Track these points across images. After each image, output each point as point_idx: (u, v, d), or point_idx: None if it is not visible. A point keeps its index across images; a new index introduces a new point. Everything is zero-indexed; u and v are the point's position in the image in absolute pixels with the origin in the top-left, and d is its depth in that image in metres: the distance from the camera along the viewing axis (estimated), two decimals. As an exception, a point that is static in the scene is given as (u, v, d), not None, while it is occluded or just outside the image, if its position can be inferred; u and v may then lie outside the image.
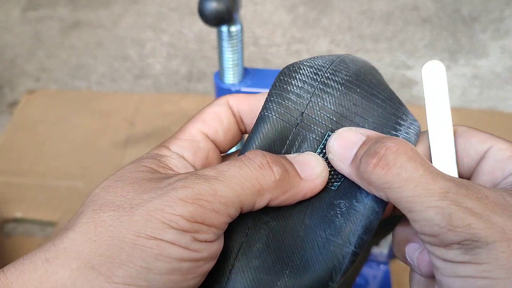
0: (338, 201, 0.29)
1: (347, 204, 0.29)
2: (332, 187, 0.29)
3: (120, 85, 1.13)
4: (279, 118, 0.30)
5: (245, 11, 1.31)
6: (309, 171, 0.29)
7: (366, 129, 0.29)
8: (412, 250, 0.28)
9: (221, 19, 0.48)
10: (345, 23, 1.29)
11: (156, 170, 0.29)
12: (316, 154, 0.30)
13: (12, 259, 0.83)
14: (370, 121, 0.30)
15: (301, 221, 0.29)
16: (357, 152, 0.28)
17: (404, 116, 0.31)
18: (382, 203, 0.28)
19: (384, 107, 0.31)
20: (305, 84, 0.30)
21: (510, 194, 0.25)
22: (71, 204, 0.86)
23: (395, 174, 0.25)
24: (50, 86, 1.13)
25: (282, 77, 0.31)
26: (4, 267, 0.24)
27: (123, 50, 1.22)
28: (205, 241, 0.25)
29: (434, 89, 0.31)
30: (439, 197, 0.24)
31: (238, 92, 0.56)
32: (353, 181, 0.28)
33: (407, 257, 0.29)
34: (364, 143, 0.28)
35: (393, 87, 1.12)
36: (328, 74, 0.31)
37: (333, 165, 0.29)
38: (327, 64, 0.31)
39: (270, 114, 0.30)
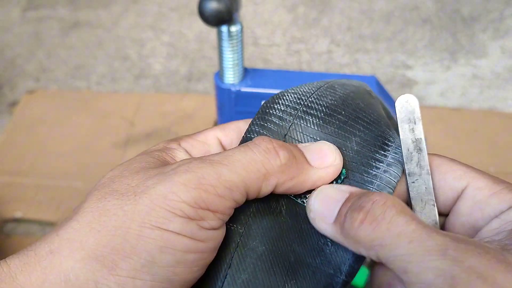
0: None
1: None
2: None
3: (120, 85, 1.13)
4: None
5: (245, 11, 1.31)
6: (320, 159, 0.28)
7: (348, 186, 0.27)
8: None
9: (221, 19, 0.48)
10: (345, 23, 1.29)
11: (163, 162, 0.28)
12: (329, 144, 0.28)
13: (12, 259, 0.83)
14: (355, 140, 0.29)
15: (290, 247, 0.27)
16: (340, 209, 0.25)
17: (391, 138, 0.30)
18: None
19: (370, 129, 0.30)
20: (288, 108, 0.30)
21: (506, 249, 0.22)
22: (71, 204, 0.86)
23: (384, 230, 0.23)
24: (50, 86, 1.13)
25: (266, 104, 0.31)
26: (7, 258, 0.25)
27: (123, 50, 1.22)
28: (211, 229, 0.25)
29: (408, 124, 0.29)
30: (438, 256, 0.21)
31: (238, 92, 0.56)
32: (338, 242, 0.26)
33: None
34: (347, 200, 0.26)
35: (393, 87, 1.12)
36: (312, 99, 0.30)
37: (314, 226, 0.27)
38: (313, 90, 0.31)
39: (252, 136, 0.30)
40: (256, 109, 0.57)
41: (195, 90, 1.11)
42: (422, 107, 1.05)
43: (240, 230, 0.27)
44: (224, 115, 0.59)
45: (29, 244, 0.79)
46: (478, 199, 0.26)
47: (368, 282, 0.57)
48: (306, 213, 0.28)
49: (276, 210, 0.28)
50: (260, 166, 0.26)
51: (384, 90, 0.58)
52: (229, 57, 0.54)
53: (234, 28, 0.52)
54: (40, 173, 0.91)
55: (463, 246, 0.21)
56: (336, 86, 0.32)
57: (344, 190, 0.26)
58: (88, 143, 0.97)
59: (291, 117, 0.30)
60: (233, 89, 0.56)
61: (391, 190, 0.28)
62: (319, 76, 0.58)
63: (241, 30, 0.53)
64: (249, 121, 0.32)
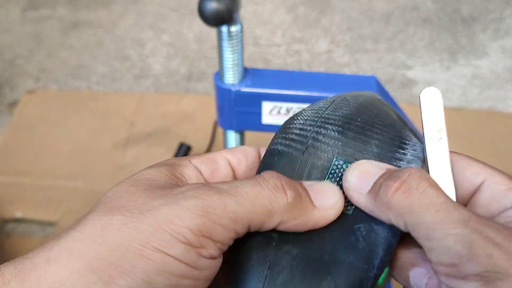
0: (357, 225, 0.29)
1: (367, 228, 0.29)
2: (348, 212, 0.29)
3: (120, 85, 1.13)
4: (284, 149, 0.31)
5: (245, 11, 1.31)
6: (324, 200, 0.28)
7: (385, 164, 0.29)
8: (419, 276, 0.27)
9: (221, 19, 0.48)
10: (345, 23, 1.29)
11: (171, 178, 0.28)
12: (333, 184, 0.29)
13: (12, 259, 0.83)
14: (374, 143, 0.31)
15: (322, 247, 0.29)
16: (376, 181, 0.27)
17: (408, 137, 0.32)
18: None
19: (387, 131, 0.31)
20: (307, 121, 0.32)
21: None
22: (71, 204, 0.86)
23: (416, 199, 0.25)
24: (50, 86, 1.13)
25: (286, 121, 0.32)
26: (3, 264, 0.24)
27: (123, 50, 1.22)
28: (209, 257, 0.25)
29: (432, 115, 0.31)
30: (461, 225, 0.23)
31: (238, 92, 0.56)
32: (367, 210, 0.28)
33: (412, 283, 0.28)
34: (383, 174, 0.28)
35: (393, 87, 1.12)
36: (329, 111, 0.32)
37: (348, 195, 0.28)
38: (327, 104, 0.33)
39: (276, 147, 0.31)
40: (256, 109, 0.57)
41: (195, 90, 1.11)
42: (422, 107, 1.06)
43: (274, 235, 0.28)
44: (224, 115, 0.59)
45: (28, 244, 0.79)
46: (495, 192, 0.28)
47: (386, 279, 0.58)
48: None
49: None
50: (267, 202, 0.26)
51: (384, 90, 0.58)
52: (229, 57, 0.54)
53: (234, 28, 0.52)
54: (40, 173, 0.91)
55: (484, 221, 0.24)
56: (348, 98, 0.33)
57: (381, 167, 0.28)
58: (88, 143, 0.97)
59: (311, 127, 0.31)
60: (233, 89, 0.56)
61: None
62: (319, 76, 0.58)
63: (241, 30, 0.53)
64: (255, 146, 0.33)
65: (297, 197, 0.27)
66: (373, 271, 0.28)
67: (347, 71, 1.16)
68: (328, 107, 0.32)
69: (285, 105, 0.56)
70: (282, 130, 0.32)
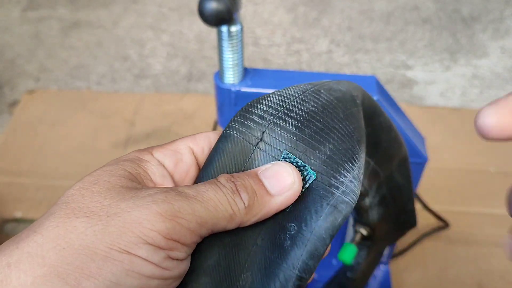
0: (289, 224, 0.29)
1: (296, 228, 0.28)
2: (286, 209, 0.29)
3: (120, 85, 1.13)
4: (239, 136, 0.30)
5: (245, 11, 1.31)
6: (279, 185, 0.28)
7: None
8: None
9: (221, 19, 0.48)
10: (345, 23, 1.29)
11: (135, 176, 0.28)
12: (288, 165, 0.29)
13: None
14: (328, 146, 0.30)
15: (253, 240, 0.29)
16: None
17: (358, 156, 0.31)
18: (329, 230, 0.28)
19: (343, 141, 0.31)
20: (270, 108, 0.31)
21: None
22: (71, 204, 0.86)
23: None
24: (50, 86, 1.13)
25: (250, 103, 0.32)
26: None
27: (123, 50, 1.22)
28: (177, 259, 0.25)
29: None
30: None
31: (238, 92, 0.56)
32: None
33: None
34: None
35: (393, 87, 1.12)
36: (295, 103, 0.31)
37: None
38: (297, 94, 0.32)
39: (231, 132, 0.31)
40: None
41: (195, 90, 1.11)
42: (422, 107, 1.06)
43: None
44: (224, 115, 0.59)
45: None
46: None
47: (359, 262, 0.59)
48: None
49: None
50: (228, 207, 0.27)
51: (384, 90, 0.58)
52: (229, 57, 0.54)
53: (234, 28, 0.52)
54: (40, 173, 0.91)
55: None
56: (321, 91, 0.33)
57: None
58: (88, 143, 0.97)
59: (271, 117, 0.31)
60: (233, 89, 0.56)
61: (355, 198, 0.30)
62: (319, 76, 0.58)
63: (241, 30, 0.53)
64: (217, 132, 0.33)
65: (253, 197, 0.28)
66: (294, 271, 0.28)
67: (347, 71, 1.16)
68: (296, 97, 0.32)
69: (285, 105, 0.56)
70: (242, 114, 0.31)
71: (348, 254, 0.56)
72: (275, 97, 0.32)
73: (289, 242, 0.28)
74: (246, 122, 0.31)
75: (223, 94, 0.57)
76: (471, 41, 1.23)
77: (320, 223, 0.28)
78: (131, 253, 0.23)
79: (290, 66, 1.17)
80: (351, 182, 0.30)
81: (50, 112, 1.03)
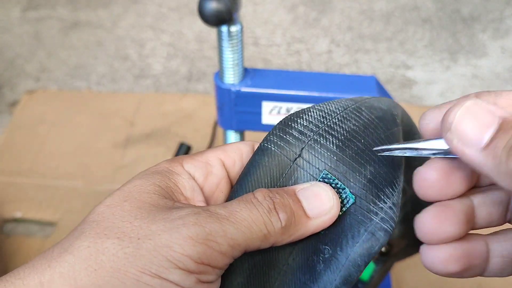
0: (323, 247, 0.28)
1: (330, 251, 0.28)
2: (321, 231, 0.29)
3: (120, 85, 1.13)
4: (277, 150, 0.29)
5: (245, 11, 1.31)
6: (318, 208, 0.28)
7: (498, 108, 0.24)
8: None
9: (221, 19, 0.48)
10: (345, 23, 1.29)
11: (165, 190, 0.28)
12: (327, 187, 0.28)
13: (12, 259, 0.83)
14: (369, 169, 0.29)
15: (285, 260, 0.28)
16: (493, 136, 0.23)
17: (398, 180, 0.30)
18: (364, 257, 0.27)
19: (384, 164, 0.30)
20: (311, 124, 0.30)
21: None
22: (71, 204, 0.86)
23: None
24: (50, 86, 1.13)
25: (290, 116, 0.31)
26: None
27: (123, 50, 1.22)
28: (207, 282, 0.25)
29: None
30: None
31: (238, 92, 0.56)
32: (485, 173, 0.23)
33: None
34: (501, 128, 0.23)
35: (393, 87, 1.12)
36: (336, 120, 0.30)
37: (453, 149, 0.24)
38: (339, 110, 0.31)
39: (269, 146, 0.30)
40: (256, 109, 0.57)
41: (195, 90, 1.11)
42: (422, 107, 1.06)
43: None
44: (224, 115, 0.59)
45: (28, 244, 0.79)
46: None
47: (373, 276, 0.58)
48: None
49: None
50: (263, 227, 0.26)
51: (384, 90, 0.58)
52: (229, 57, 0.54)
53: (234, 28, 0.52)
54: (40, 173, 0.91)
55: None
56: (363, 109, 0.31)
57: (495, 114, 0.23)
58: (88, 143, 0.97)
59: (312, 133, 0.30)
60: (233, 89, 0.56)
61: (393, 225, 0.29)
62: (319, 76, 0.58)
63: (241, 30, 0.53)
64: (248, 143, 0.32)
65: (291, 216, 0.27)
66: None
67: (347, 71, 1.16)
68: (338, 114, 0.30)
69: (285, 105, 0.56)
70: (282, 128, 0.30)
71: (366, 271, 0.55)
72: (316, 112, 0.30)
73: (322, 266, 0.28)
74: (285, 137, 0.30)
75: (223, 94, 0.57)
76: (471, 41, 1.23)
77: (356, 249, 0.27)
78: (162, 277, 0.23)
79: (290, 66, 1.17)
80: (391, 209, 0.28)
81: (50, 112, 1.03)
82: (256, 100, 0.56)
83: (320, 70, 1.16)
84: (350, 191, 0.28)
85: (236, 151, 0.31)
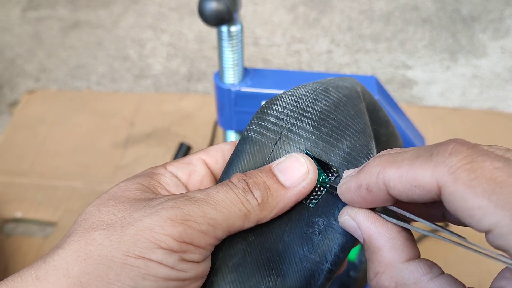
0: (316, 219, 0.29)
1: (325, 222, 0.29)
2: (310, 205, 0.30)
3: (120, 85, 1.13)
4: (257, 137, 0.31)
5: (245, 11, 1.31)
6: (293, 177, 0.29)
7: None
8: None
9: (221, 19, 0.48)
10: (345, 23, 1.29)
11: (148, 187, 0.29)
12: (299, 154, 0.30)
13: (12, 259, 0.83)
14: (346, 144, 0.31)
15: (280, 237, 0.29)
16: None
17: (372, 151, 0.32)
18: None
19: (358, 137, 0.32)
20: (285, 109, 0.32)
21: None
22: (71, 204, 0.86)
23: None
24: (50, 86, 1.13)
25: (264, 104, 0.33)
26: None
27: (123, 50, 1.22)
28: (192, 261, 0.26)
29: None
30: None
31: (238, 92, 0.56)
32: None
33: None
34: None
35: (393, 87, 1.12)
36: (308, 103, 0.32)
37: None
38: (308, 93, 0.33)
39: (250, 134, 0.31)
40: (256, 109, 0.57)
41: (195, 90, 1.11)
42: (422, 107, 1.06)
43: None
44: (224, 115, 0.59)
45: (28, 244, 0.79)
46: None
47: (360, 254, 0.58)
48: (295, 205, 0.30)
49: None
50: (242, 206, 0.27)
51: (384, 90, 0.58)
52: (229, 57, 0.54)
53: (234, 28, 0.52)
54: (40, 173, 0.91)
55: None
56: (330, 89, 0.33)
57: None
58: (88, 143, 0.97)
59: (288, 117, 0.32)
60: (233, 89, 0.56)
61: None
62: (319, 76, 0.58)
63: (241, 30, 0.53)
64: (231, 142, 0.34)
65: (265, 192, 0.28)
66: (326, 265, 0.28)
67: (347, 71, 1.16)
68: (308, 97, 0.32)
69: (285, 105, 0.56)
70: (259, 116, 0.32)
71: (353, 251, 0.56)
72: (288, 98, 0.32)
73: (319, 236, 0.29)
74: (263, 123, 0.31)
75: (223, 94, 0.57)
76: (471, 41, 1.23)
77: None
78: (145, 257, 0.25)
79: (290, 66, 1.17)
80: None
81: (50, 112, 1.03)
82: (256, 100, 0.56)
83: (320, 70, 1.16)
84: (333, 165, 0.30)
85: (218, 150, 0.33)
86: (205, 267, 0.27)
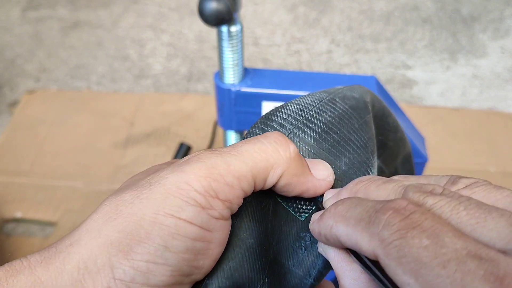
0: (304, 234, 0.29)
1: (311, 238, 0.29)
2: (300, 218, 0.30)
3: (120, 85, 1.13)
4: None
5: (245, 11, 1.31)
6: (319, 171, 0.29)
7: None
8: None
9: (221, 19, 0.48)
10: (345, 23, 1.29)
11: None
12: (325, 162, 0.30)
13: (12, 259, 0.83)
14: (343, 161, 0.31)
15: (271, 245, 0.29)
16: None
17: (372, 167, 0.32)
18: None
19: (358, 153, 0.32)
20: (290, 117, 0.31)
21: None
22: (71, 204, 0.86)
23: None
24: (50, 86, 1.13)
25: (271, 111, 0.32)
26: (29, 255, 0.25)
27: (123, 50, 1.22)
28: (220, 218, 0.26)
29: None
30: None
31: (238, 92, 0.56)
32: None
33: None
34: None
35: (393, 87, 1.12)
36: (313, 113, 0.32)
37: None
38: (315, 103, 0.32)
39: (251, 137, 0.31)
40: (256, 109, 0.57)
41: (195, 90, 1.11)
42: (422, 107, 1.06)
43: (234, 221, 0.28)
44: (224, 115, 0.59)
45: (28, 244, 0.79)
46: None
47: None
48: (287, 216, 0.30)
49: (265, 208, 0.30)
50: (269, 156, 0.27)
51: (384, 90, 0.58)
52: (229, 57, 0.54)
53: (234, 28, 0.52)
54: (40, 173, 0.91)
55: None
56: (337, 100, 0.33)
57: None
58: (88, 143, 0.97)
59: (292, 126, 0.31)
60: (233, 89, 0.56)
61: None
62: (319, 76, 0.58)
63: (241, 30, 0.53)
64: None
65: (299, 155, 0.28)
66: (310, 280, 0.28)
67: (347, 71, 1.16)
68: (314, 107, 0.32)
69: (285, 105, 0.56)
70: (263, 121, 0.32)
71: None
72: (293, 106, 0.32)
73: (305, 252, 0.29)
74: (266, 129, 0.31)
75: (223, 94, 0.57)
76: (471, 41, 1.23)
77: None
78: (175, 216, 0.25)
79: (290, 66, 1.17)
80: None
81: (50, 112, 1.03)
82: (256, 100, 0.56)
83: (320, 70, 1.16)
84: None
85: None
86: (227, 228, 0.27)
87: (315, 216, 0.27)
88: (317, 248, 0.28)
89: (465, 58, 1.19)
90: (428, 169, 0.83)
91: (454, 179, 0.24)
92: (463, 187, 0.23)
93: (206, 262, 0.26)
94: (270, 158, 0.27)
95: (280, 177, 0.27)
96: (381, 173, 0.44)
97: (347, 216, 0.24)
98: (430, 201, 0.22)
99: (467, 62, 1.18)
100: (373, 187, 0.25)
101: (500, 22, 1.28)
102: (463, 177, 0.24)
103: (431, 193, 0.22)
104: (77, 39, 1.25)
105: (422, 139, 0.61)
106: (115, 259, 0.24)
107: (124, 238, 0.24)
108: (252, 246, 0.29)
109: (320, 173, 0.29)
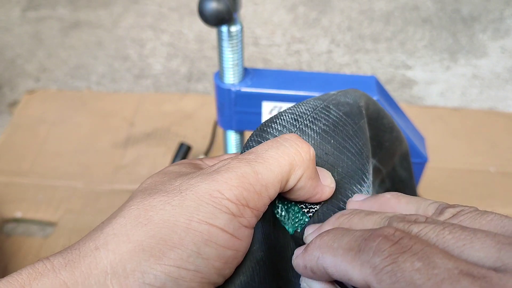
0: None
1: None
2: (290, 230, 0.30)
3: (120, 85, 1.13)
4: None
5: (245, 11, 1.31)
6: (324, 178, 0.30)
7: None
8: None
9: (221, 19, 0.48)
10: (345, 23, 1.29)
11: (196, 165, 0.31)
12: (327, 170, 0.31)
13: (12, 259, 0.83)
14: (338, 170, 0.31)
15: (280, 261, 0.29)
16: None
17: (367, 174, 0.32)
18: None
19: (353, 161, 0.32)
20: (284, 128, 0.32)
21: None
22: (71, 204, 0.86)
23: None
24: (50, 86, 1.13)
25: (265, 122, 0.32)
26: (50, 256, 0.25)
27: (123, 50, 1.22)
28: (247, 227, 0.26)
29: None
30: None
31: (238, 92, 0.56)
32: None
33: None
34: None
35: (393, 87, 1.12)
36: (307, 122, 0.32)
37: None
38: (309, 111, 0.33)
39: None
40: (256, 109, 0.57)
41: (195, 90, 1.11)
42: (422, 107, 1.06)
43: None
44: (224, 115, 0.59)
45: (29, 244, 0.79)
46: None
47: None
48: (285, 230, 0.30)
49: (274, 221, 0.30)
50: (292, 158, 0.27)
51: (384, 90, 0.58)
52: (229, 57, 0.54)
53: (234, 28, 0.52)
54: (40, 173, 0.91)
55: None
56: (330, 107, 0.33)
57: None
58: (88, 143, 0.97)
59: None
60: (233, 89, 0.56)
61: None
62: (319, 76, 0.58)
63: (241, 30, 0.53)
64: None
65: (314, 160, 0.29)
66: None
67: (347, 71, 1.16)
68: (308, 115, 0.32)
69: (285, 105, 0.56)
70: (258, 134, 0.31)
71: None
72: (288, 116, 0.32)
73: None
74: (262, 142, 0.31)
75: (223, 94, 0.57)
76: (471, 41, 1.23)
77: None
78: (209, 223, 0.25)
79: (290, 66, 1.17)
80: None
81: (50, 112, 1.03)
82: (256, 100, 0.56)
83: (320, 70, 1.16)
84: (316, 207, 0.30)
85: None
86: (249, 242, 0.27)
87: (298, 250, 0.27)
88: (300, 284, 0.27)
89: (465, 58, 1.19)
90: (428, 169, 0.83)
91: (442, 209, 0.24)
92: (450, 217, 0.23)
93: (228, 273, 0.26)
94: (293, 161, 0.27)
95: (300, 178, 0.28)
96: (377, 173, 0.44)
97: (334, 246, 0.23)
98: (415, 229, 0.22)
99: (467, 62, 1.18)
100: (356, 220, 0.25)
101: (500, 22, 1.28)
102: (450, 206, 0.24)
103: (415, 222, 0.22)
104: (77, 39, 1.25)
105: (422, 139, 0.61)
106: (147, 264, 0.24)
107: (157, 243, 0.24)
108: (262, 259, 0.29)
109: (326, 181, 0.30)
